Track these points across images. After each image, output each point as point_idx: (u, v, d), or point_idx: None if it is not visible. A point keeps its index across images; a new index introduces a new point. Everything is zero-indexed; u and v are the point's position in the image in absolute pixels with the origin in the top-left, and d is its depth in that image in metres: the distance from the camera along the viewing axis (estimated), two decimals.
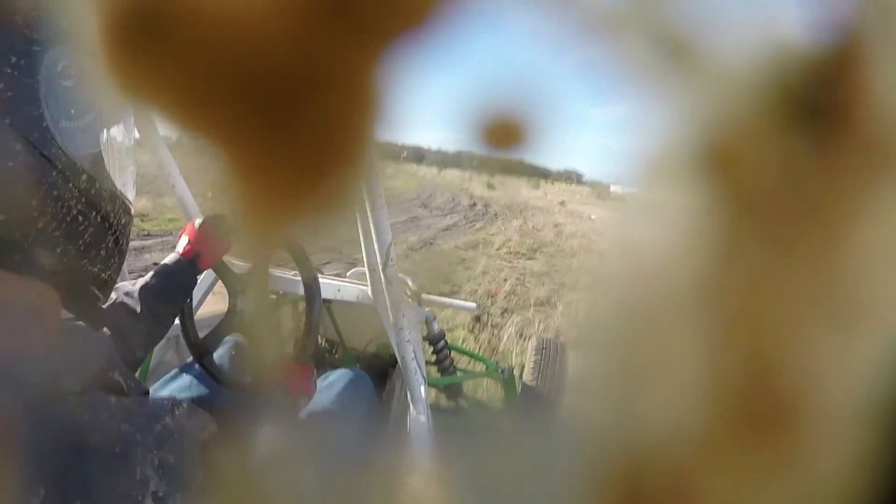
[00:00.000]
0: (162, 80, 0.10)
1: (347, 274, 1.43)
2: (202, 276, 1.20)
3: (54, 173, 0.29)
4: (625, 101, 0.11)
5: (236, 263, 0.81)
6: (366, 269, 0.88)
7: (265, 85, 0.11)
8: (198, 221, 0.76)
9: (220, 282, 1.20)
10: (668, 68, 0.10)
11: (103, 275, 0.35)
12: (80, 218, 0.31)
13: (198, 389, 0.83)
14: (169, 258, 0.73)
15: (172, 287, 0.70)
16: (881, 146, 0.10)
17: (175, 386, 0.84)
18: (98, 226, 0.33)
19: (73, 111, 0.30)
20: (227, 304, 0.81)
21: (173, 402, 0.35)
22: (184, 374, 0.87)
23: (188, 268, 0.73)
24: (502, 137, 0.12)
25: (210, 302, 1.20)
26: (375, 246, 0.77)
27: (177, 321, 0.76)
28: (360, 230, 0.77)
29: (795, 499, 0.10)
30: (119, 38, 0.10)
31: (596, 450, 0.12)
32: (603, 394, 0.12)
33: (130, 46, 0.10)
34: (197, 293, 1.14)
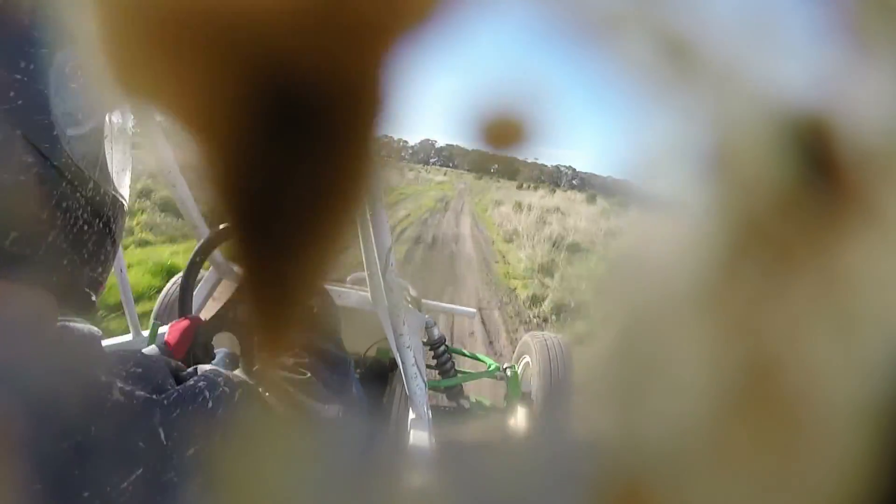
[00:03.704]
0: (161, 78, 0.10)
1: (347, 279, 1.43)
2: (201, 282, 1.20)
3: (63, 184, 0.28)
4: (626, 102, 0.11)
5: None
6: (366, 275, 0.88)
7: (264, 87, 0.11)
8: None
9: (219, 287, 1.20)
10: (670, 69, 0.10)
11: (98, 276, 0.35)
12: (86, 227, 0.31)
13: None
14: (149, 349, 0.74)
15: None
16: (880, 157, 0.10)
17: None
18: (100, 232, 0.33)
19: (80, 117, 0.29)
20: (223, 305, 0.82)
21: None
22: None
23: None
24: (502, 137, 0.12)
25: (209, 307, 1.20)
26: (375, 251, 0.77)
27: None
28: (359, 235, 0.77)
29: (798, 501, 0.10)
30: (124, 39, 0.10)
31: (599, 454, 0.12)
32: (606, 397, 0.12)
33: (135, 46, 0.10)
34: (197, 297, 1.14)
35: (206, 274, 1.22)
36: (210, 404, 0.32)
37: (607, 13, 0.10)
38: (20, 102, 0.26)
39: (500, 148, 0.12)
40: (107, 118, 0.32)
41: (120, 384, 0.28)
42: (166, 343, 0.74)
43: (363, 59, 0.10)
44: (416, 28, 0.10)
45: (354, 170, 0.12)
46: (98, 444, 0.26)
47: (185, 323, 0.77)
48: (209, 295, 1.19)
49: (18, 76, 0.26)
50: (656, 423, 0.11)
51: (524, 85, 0.12)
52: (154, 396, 0.30)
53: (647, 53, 0.10)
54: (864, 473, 0.10)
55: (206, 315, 1.14)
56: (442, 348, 1.58)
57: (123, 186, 0.35)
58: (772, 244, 0.10)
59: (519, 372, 1.74)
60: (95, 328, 0.35)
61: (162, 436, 0.29)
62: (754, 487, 0.10)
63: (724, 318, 0.11)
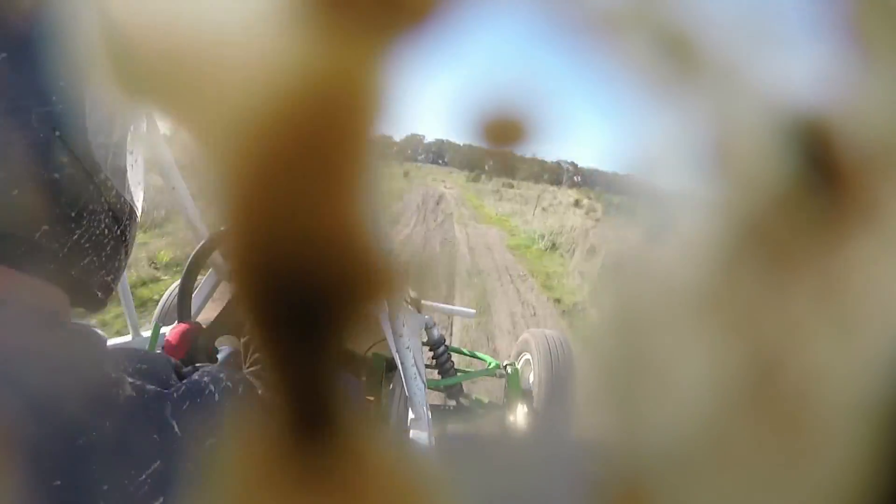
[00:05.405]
0: (157, 74, 0.10)
1: None
2: (201, 283, 1.20)
3: (91, 187, 0.31)
4: (626, 101, 0.11)
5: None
6: None
7: (265, 88, 0.11)
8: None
9: (218, 288, 1.20)
10: (670, 68, 0.10)
11: (110, 281, 0.36)
12: (106, 231, 0.33)
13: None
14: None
15: None
16: (882, 156, 0.10)
17: None
18: (117, 239, 0.35)
19: (111, 126, 0.31)
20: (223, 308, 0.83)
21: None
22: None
23: None
24: (502, 135, 0.12)
25: (209, 308, 1.20)
26: None
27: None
28: None
29: (799, 500, 0.10)
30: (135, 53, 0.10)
31: (599, 452, 0.12)
32: (605, 398, 0.12)
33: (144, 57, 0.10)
34: (197, 299, 1.14)
35: (205, 276, 1.22)
36: (216, 397, 0.33)
37: (608, 12, 0.10)
38: (60, 107, 0.28)
39: (500, 146, 0.12)
40: (130, 131, 0.34)
41: (130, 380, 0.29)
42: (168, 342, 0.76)
43: (362, 58, 0.10)
44: (415, 28, 0.10)
45: (355, 171, 0.12)
46: (114, 438, 0.27)
47: (185, 326, 0.79)
48: (209, 296, 1.19)
49: (62, 84, 0.27)
50: (656, 424, 0.11)
51: (524, 83, 0.12)
52: (163, 391, 0.31)
53: (648, 52, 0.10)
54: (865, 474, 0.10)
55: (205, 317, 1.14)
56: (441, 348, 1.59)
57: (138, 199, 0.38)
58: (772, 244, 0.10)
59: (519, 369, 1.73)
60: (98, 330, 0.36)
61: (176, 428, 0.30)
62: (755, 488, 0.10)
63: (724, 318, 0.11)
